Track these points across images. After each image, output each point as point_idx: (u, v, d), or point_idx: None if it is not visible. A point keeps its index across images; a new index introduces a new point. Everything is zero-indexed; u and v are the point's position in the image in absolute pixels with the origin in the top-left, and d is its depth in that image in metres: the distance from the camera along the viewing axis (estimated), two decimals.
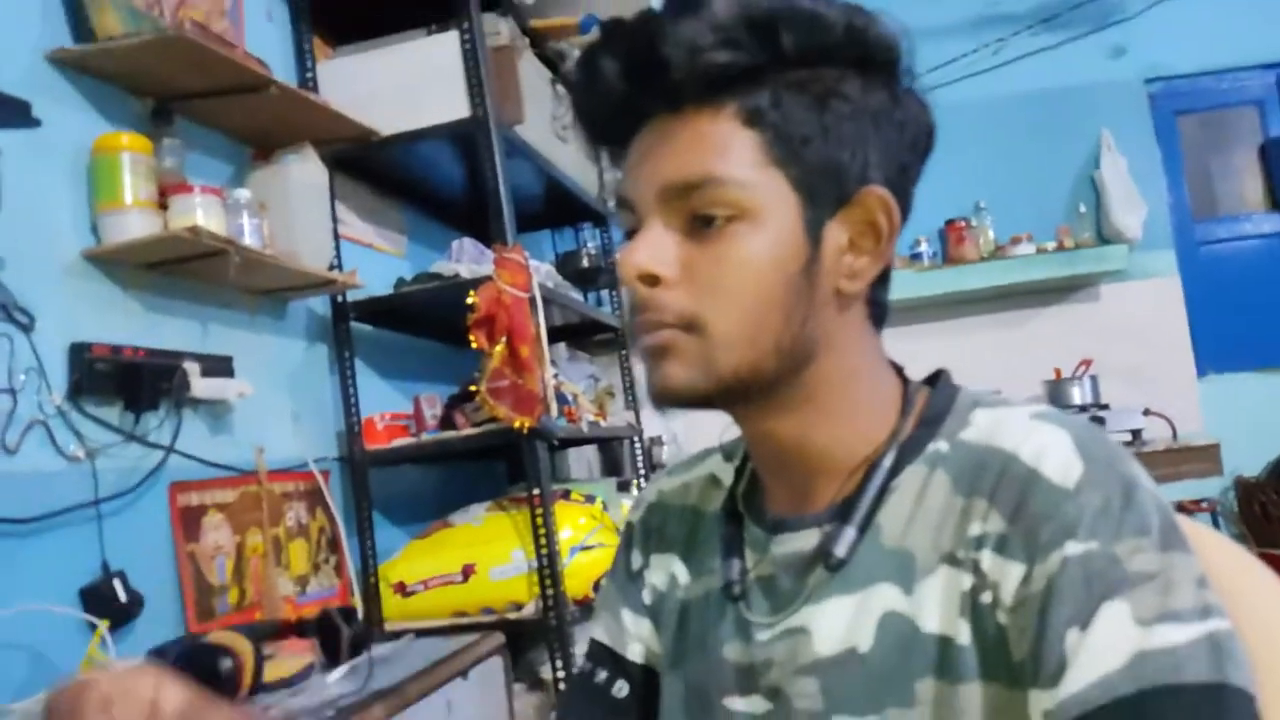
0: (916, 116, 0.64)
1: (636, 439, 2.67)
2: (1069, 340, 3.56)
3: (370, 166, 2.18)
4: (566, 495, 2.05)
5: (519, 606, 1.94)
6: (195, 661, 1.01)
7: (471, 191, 2.46)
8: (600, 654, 0.79)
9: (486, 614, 1.97)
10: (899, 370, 0.69)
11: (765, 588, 0.67)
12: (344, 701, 0.99)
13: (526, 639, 2.05)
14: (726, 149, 0.60)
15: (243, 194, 1.62)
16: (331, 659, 1.16)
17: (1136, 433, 3.32)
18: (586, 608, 2.00)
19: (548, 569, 1.87)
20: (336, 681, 1.11)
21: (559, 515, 1.96)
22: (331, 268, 1.90)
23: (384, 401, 2.19)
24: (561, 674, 1.86)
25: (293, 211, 1.77)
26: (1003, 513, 0.56)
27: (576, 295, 2.56)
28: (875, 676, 0.59)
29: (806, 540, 0.65)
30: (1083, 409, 3.39)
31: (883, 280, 0.65)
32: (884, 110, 0.61)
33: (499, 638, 1.51)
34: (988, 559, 0.56)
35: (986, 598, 0.55)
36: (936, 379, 0.68)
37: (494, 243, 1.96)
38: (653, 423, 2.77)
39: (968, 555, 0.57)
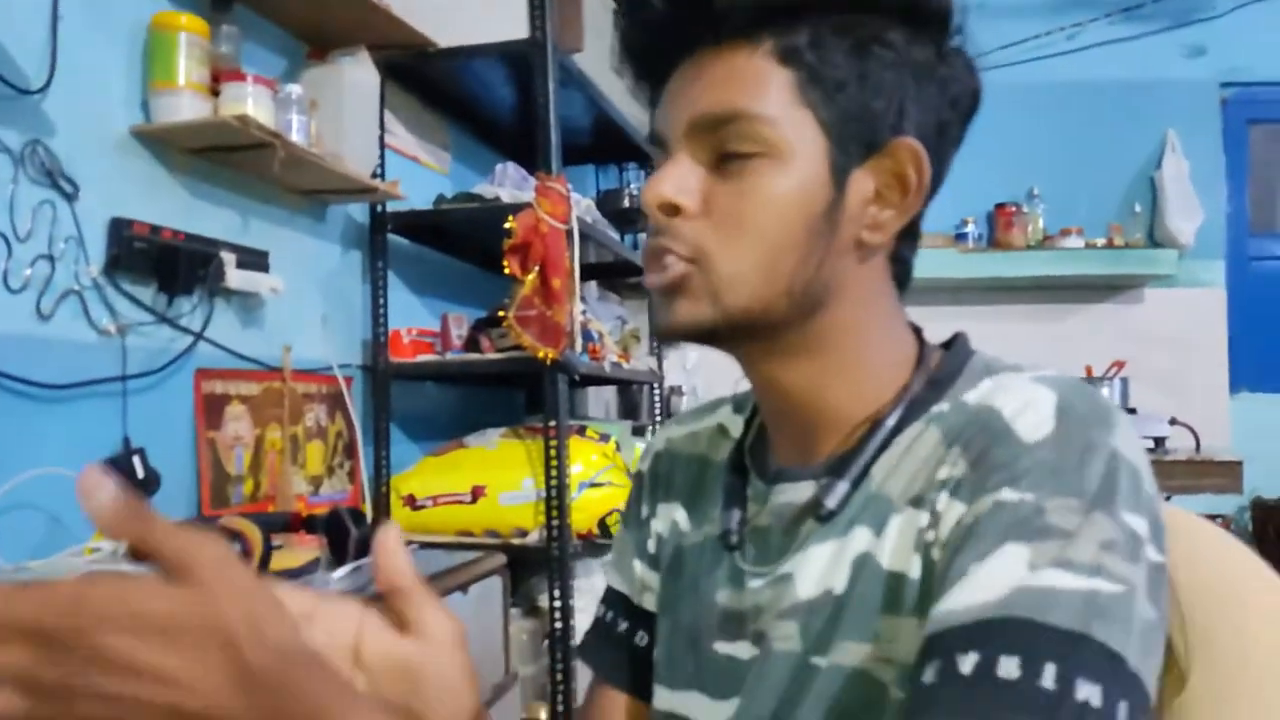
0: (961, 76, 0.62)
1: (656, 385, 2.67)
2: (1105, 340, 3.51)
3: (422, 78, 2.15)
4: (582, 431, 2.05)
5: (524, 533, 1.96)
6: None
7: (520, 116, 2.44)
8: (619, 603, 0.80)
9: (491, 536, 1.99)
10: (917, 332, 0.67)
11: (759, 538, 0.67)
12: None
13: (527, 566, 2.08)
14: (759, 85, 0.59)
15: (294, 89, 1.61)
16: (338, 557, 1.18)
17: (1160, 440, 3.28)
18: (589, 542, 2.02)
19: (555, 500, 1.89)
20: (339, 579, 1.12)
21: (573, 450, 1.97)
22: (375, 175, 1.89)
23: (412, 316, 2.19)
24: (559, 603, 1.89)
25: (342, 113, 1.75)
26: (968, 459, 0.56)
27: (613, 234, 2.54)
28: (845, 615, 0.59)
29: (801, 492, 0.65)
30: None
31: (909, 237, 0.65)
32: (927, 64, 0.60)
33: (500, 559, 1.52)
34: (943, 500, 0.56)
35: (931, 535, 0.56)
36: (951, 340, 0.67)
37: (538, 170, 1.94)
38: (674, 372, 2.77)
39: (931, 495, 0.57)
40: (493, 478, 1.99)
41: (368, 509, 2.00)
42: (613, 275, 2.80)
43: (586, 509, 1.97)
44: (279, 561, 1.13)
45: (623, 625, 0.79)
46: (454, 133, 2.43)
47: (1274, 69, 3.62)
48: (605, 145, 2.71)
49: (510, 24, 1.96)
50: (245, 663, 0.34)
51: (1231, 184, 3.69)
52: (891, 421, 0.62)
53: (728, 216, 0.60)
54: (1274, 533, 3.29)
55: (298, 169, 1.63)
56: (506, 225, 1.86)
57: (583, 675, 1.87)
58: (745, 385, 0.74)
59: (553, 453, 1.89)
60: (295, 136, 1.59)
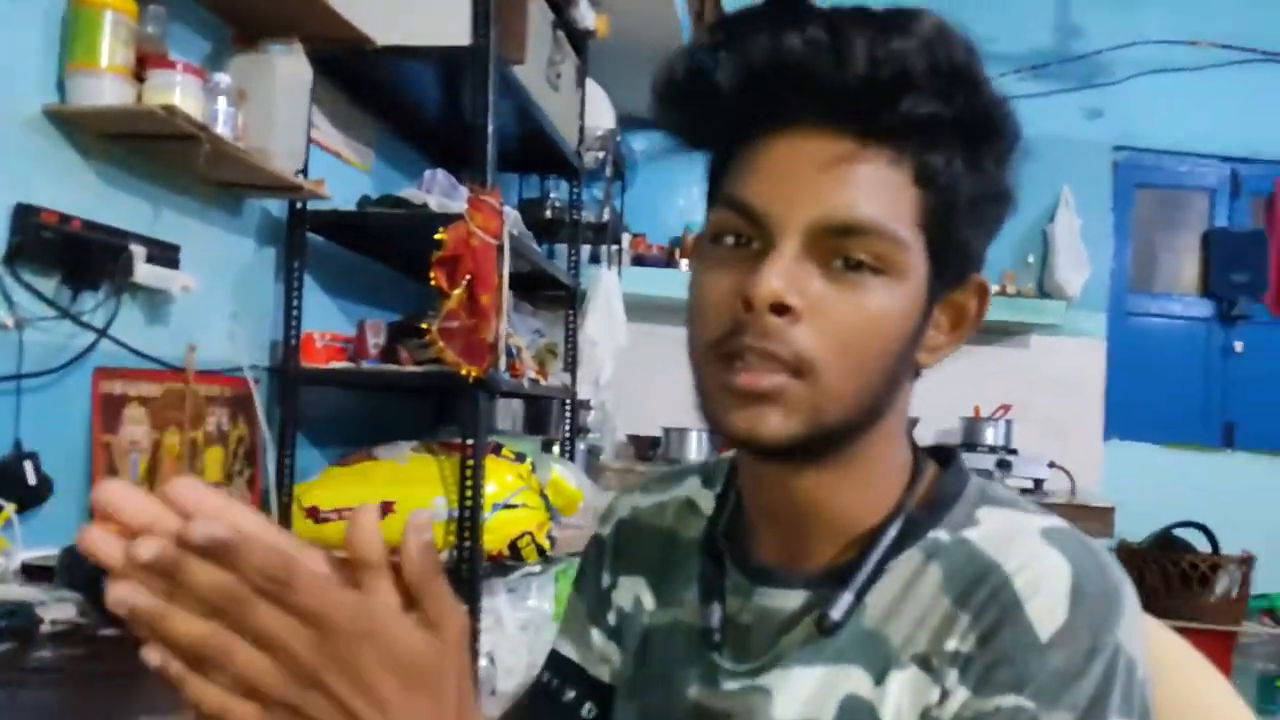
0: (1012, 198, 0.61)
1: (569, 401, 2.64)
2: (993, 382, 3.66)
3: (352, 74, 2.07)
4: (497, 450, 2.01)
5: None
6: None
7: (450, 121, 2.38)
8: (568, 670, 0.77)
9: (397, 555, 1.92)
10: (911, 438, 0.67)
11: (739, 637, 0.65)
12: None
13: None
14: (899, 203, 0.56)
15: (223, 79, 1.52)
16: None
17: (1039, 482, 3.45)
18: (498, 564, 1.98)
19: (469, 521, 1.84)
20: None
21: (487, 469, 1.93)
22: (299, 172, 1.81)
23: (326, 319, 2.11)
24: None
25: (272, 107, 1.67)
26: (976, 635, 0.56)
27: (535, 246, 2.50)
28: None
29: (791, 599, 0.63)
30: (992, 449, 3.51)
31: None
32: (1007, 195, 0.59)
33: None
34: (952, 678, 0.56)
35: (937, 713, 0.56)
36: (944, 455, 0.67)
37: (472, 182, 1.89)
38: (584, 386, 2.75)
39: (942, 667, 0.56)
40: (403, 494, 1.92)
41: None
42: (530, 287, 2.76)
43: (498, 530, 1.93)
44: None
45: (570, 693, 0.75)
46: (379, 131, 2.35)
47: (1163, 137, 3.86)
48: (529, 155, 2.66)
49: (452, 28, 1.90)
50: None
51: (1117, 242, 3.91)
52: (891, 534, 0.61)
53: (841, 329, 0.56)
54: (1138, 576, 3.49)
55: (221, 163, 1.54)
56: (437, 236, 1.80)
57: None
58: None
59: (469, 472, 1.85)
60: (222, 129, 1.50)
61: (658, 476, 0.80)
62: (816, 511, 0.62)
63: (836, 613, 0.60)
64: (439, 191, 2.04)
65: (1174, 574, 3.33)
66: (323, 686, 0.38)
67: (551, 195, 3.03)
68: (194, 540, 0.36)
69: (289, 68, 1.70)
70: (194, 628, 0.37)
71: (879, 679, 0.58)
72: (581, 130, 2.66)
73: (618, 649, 0.74)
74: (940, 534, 0.60)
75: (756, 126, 0.58)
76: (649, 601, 0.73)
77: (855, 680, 0.59)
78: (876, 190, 0.55)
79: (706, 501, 0.74)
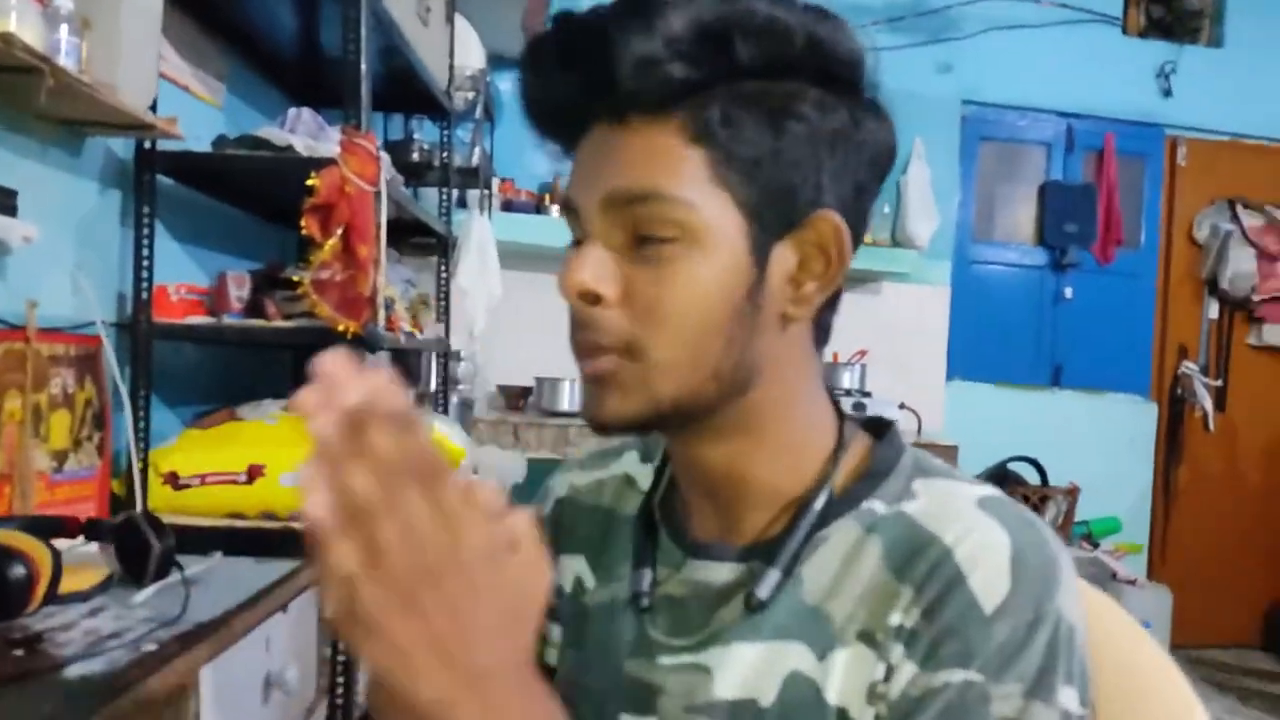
0: (876, 135, 0.61)
1: (443, 354, 2.56)
2: (849, 328, 3.74)
3: (204, 1, 1.89)
4: None
5: None
6: None
7: (309, 54, 2.23)
8: None
9: (267, 519, 1.82)
10: (835, 402, 0.67)
11: (673, 609, 0.65)
12: (163, 632, 0.87)
13: (303, 549, 1.93)
14: (672, 165, 0.57)
15: (65, 4, 1.35)
16: (135, 575, 1.02)
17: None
18: None
19: None
20: (145, 603, 0.97)
21: None
22: (149, 109, 1.64)
23: (179, 270, 1.94)
24: None
25: (119, 36, 1.49)
26: (920, 609, 0.57)
27: (406, 191, 2.39)
28: None
29: (723, 573, 0.64)
30: (848, 393, 3.66)
31: (830, 303, 0.63)
32: (842, 130, 0.59)
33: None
34: (897, 653, 0.57)
35: (883, 689, 0.57)
36: (879, 426, 0.67)
37: (345, 124, 1.77)
38: (457, 337, 2.67)
39: (885, 642, 0.57)
40: (273, 456, 1.81)
41: (120, 487, 1.77)
42: (398, 234, 2.63)
43: None
44: (66, 581, 0.96)
45: None
46: (231, 64, 2.16)
47: (1006, 92, 4.05)
48: (396, 93, 2.52)
49: None
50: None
51: (963, 193, 4.11)
52: (817, 506, 0.62)
53: (648, 305, 0.57)
54: None
55: (63, 99, 1.37)
56: (308, 182, 1.68)
57: None
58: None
59: None
60: (65, 60, 1.33)
61: (596, 452, 0.79)
62: (738, 482, 0.63)
63: (763, 591, 0.60)
64: (304, 132, 1.91)
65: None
66: (435, 590, 0.41)
67: (415, 136, 2.90)
68: (389, 406, 0.40)
69: None
70: (366, 480, 0.39)
71: (822, 655, 0.59)
72: (451, 69, 2.53)
73: (558, 629, 0.74)
74: (876, 505, 0.61)
75: (577, 131, 0.61)
76: (589, 580, 0.72)
77: (797, 657, 0.59)
78: (649, 158, 0.57)
79: (644, 476, 0.74)
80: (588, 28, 0.57)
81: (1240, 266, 4.06)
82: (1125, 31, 3.77)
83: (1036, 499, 3.61)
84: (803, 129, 0.57)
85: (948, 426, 3.94)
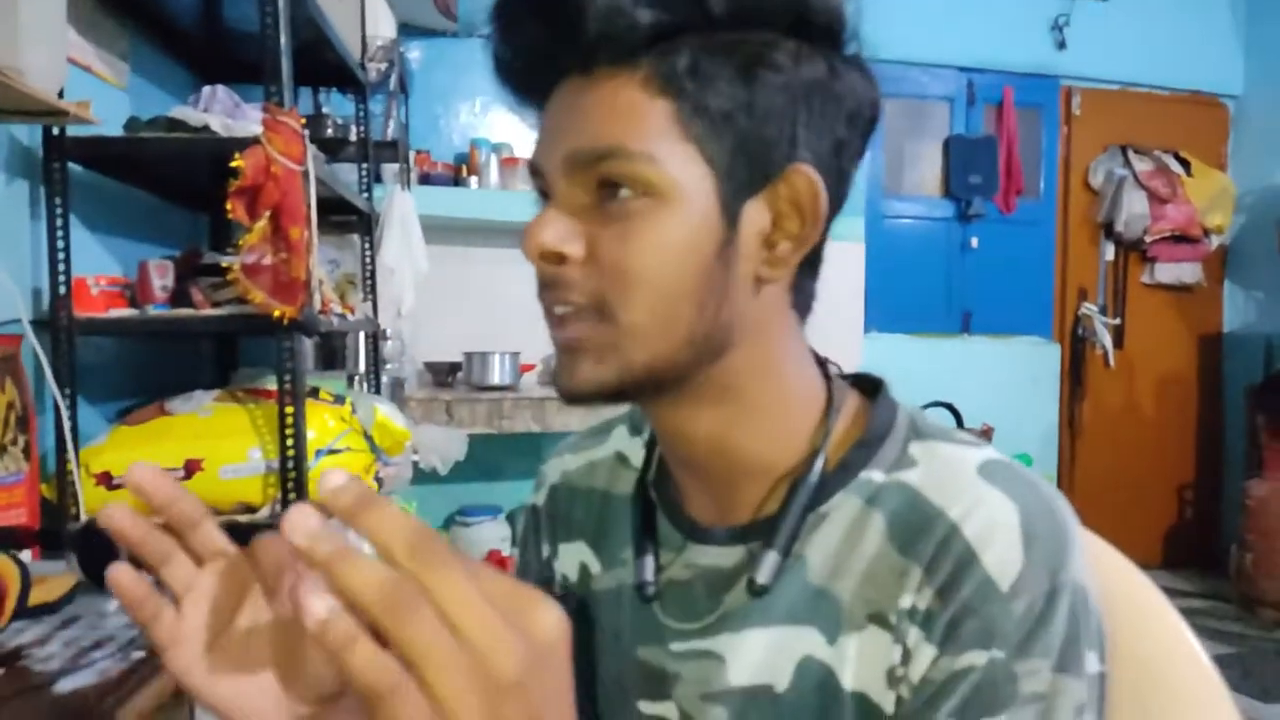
0: (856, 88, 0.59)
1: (379, 335, 2.51)
2: None
3: None
4: (315, 394, 1.88)
5: (250, 508, 1.77)
6: None
7: (215, 28, 2.14)
8: None
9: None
10: (821, 363, 0.66)
11: (680, 593, 0.64)
12: (144, 640, 0.85)
13: (248, 540, 1.88)
14: (636, 118, 0.54)
15: None
16: (99, 582, 0.98)
17: None
18: (324, 513, 1.87)
19: (293, 471, 1.72)
20: (118, 611, 0.94)
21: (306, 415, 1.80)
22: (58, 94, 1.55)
23: (93, 261, 1.86)
24: None
25: (18, 16, 1.41)
26: (934, 587, 0.55)
27: (325, 167, 2.32)
28: (786, 717, 0.58)
29: (726, 556, 0.63)
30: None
31: (810, 265, 0.61)
32: (819, 82, 0.56)
33: None
34: (913, 635, 0.55)
35: (902, 672, 0.55)
36: (870, 384, 0.66)
37: (267, 101, 1.71)
38: (384, 316, 2.62)
39: (900, 625, 0.56)
40: (210, 449, 1.76)
41: (50, 491, 1.70)
42: (319, 212, 2.56)
43: None
44: (31, 595, 0.92)
45: None
46: (133, 41, 2.05)
47: (909, 50, 4.13)
48: (306, 66, 2.43)
49: None
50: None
51: (873, 150, 4.18)
52: (813, 479, 0.60)
53: (616, 264, 0.55)
54: None
55: None
56: (233, 164, 1.62)
57: None
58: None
59: (289, 421, 1.72)
60: None
61: (586, 432, 0.78)
62: (726, 455, 0.61)
63: (764, 575, 0.59)
64: (220, 110, 1.83)
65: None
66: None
67: (325, 110, 2.81)
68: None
69: None
70: (379, 572, 0.33)
71: (832, 639, 0.57)
72: (364, 41, 2.46)
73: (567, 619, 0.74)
74: (874, 474, 0.59)
75: (540, 92, 0.59)
76: (594, 565, 0.71)
77: (809, 641, 0.58)
78: (612, 113, 0.55)
79: (636, 452, 0.73)
80: None
81: (1133, 209, 4.26)
82: None
83: None
84: (777, 80, 0.54)
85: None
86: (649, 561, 0.65)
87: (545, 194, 0.59)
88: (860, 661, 0.56)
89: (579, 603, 0.71)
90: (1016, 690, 0.53)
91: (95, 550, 1.00)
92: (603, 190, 0.55)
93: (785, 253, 0.58)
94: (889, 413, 0.63)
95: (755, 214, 0.56)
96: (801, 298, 0.62)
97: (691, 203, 0.55)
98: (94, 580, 1.00)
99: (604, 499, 0.72)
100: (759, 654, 0.59)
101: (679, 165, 0.54)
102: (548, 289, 0.57)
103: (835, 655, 0.57)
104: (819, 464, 0.59)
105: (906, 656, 0.55)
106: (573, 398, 0.58)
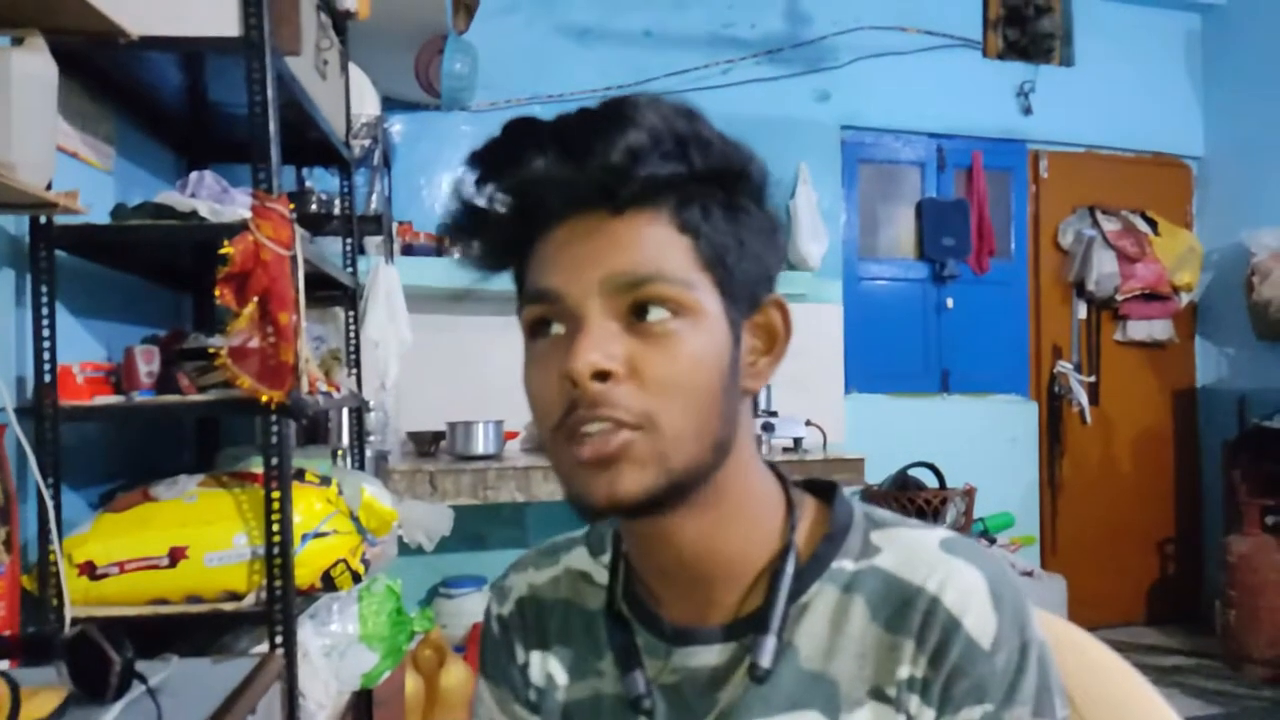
0: (781, 240, 0.70)
1: (363, 408, 2.50)
2: None
3: (93, 65, 1.81)
4: (300, 476, 1.87)
5: (235, 595, 1.74)
6: None
7: (201, 113, 2.16)
8: None
9: (193, 602, 1.74)
10: (772, 467, 0.72)
11: (671, 698, 0.67)
12: None
13: (232, 629, 1.85)
14: (668, 250, 0.62)
15: None
16: (94, 695, 0.96)
17: (799, 440, 3.72)
18: (309, 597, 1.85)
19: (279, 557, 1.70)
20: None
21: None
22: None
23: (79, 346, 1.85)
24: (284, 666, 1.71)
25: (10, 113, 1.42)
26: (926, 656, 0.61)
27: (310, 245, 2.33)
28: None
29: (712, 655, 0.66)
30: (756, 414, 3.74)
31: None
32: (772, 229, 0.67)
33: (279, 660, 1.34)
34: (914, 703, 0.61)
35: None
36: (820, 488, 0.72)
37: (255, 187, 1.72)
38: (369, 389, 2.61)
39: (900, 696, 0.62)
40: (195, 536, 1.74)
41: (31, 582, 1.66)
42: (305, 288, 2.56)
43: (310, 563, 1.80)
44: (23, 711, 0.90)
45: None
46: (119, 125, 2.07)
47: (881, 117, 4.23)
48: (291, 144, 2.45)
49: (217, 17, 1.70)
50: None
51: (847, 213, 4.26)
52: (790, 570, 0.65)
53: (659, 379, 0.60)
54: None
55: None
56: (222, 251, 1.62)
57: None
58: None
59: (275, 505, 1.70)
60: None
61: (544, 549, 0.81)
62: (709, 558, 0.66)
63: (765, 659, 0.63)
64: (207, 195, 1.84)
65: (911, 510, 3.74)
66: None
67: (308, 184, 2.83)
68: None
69: (28, 65, 1.45)
70: None
71: (834, 718, 0.62)
72: (348, 118, 2.49)
73: None
74: (845, 564, 0.66)
75: (533, 233, 0.65)
76: (561, 677, 0.73)
77: None
78: (648, 244, 0.62)
79: (599, 571, 0.75)
80: (577, 127, 0.62)
81: (1103, 269, 4.35)
82: (985, 54, 3.99)
83: (938, 502, 3.77)
84: (753, 225, 0.64)
85: (850, 439, 4.08)
86: (639, 676, 0.68)
87: (557, 317, 0.63)
88: None
89: (555, 713, 0.72)
90: None
91: (87, 660, 0.98)
92: (635, 312, 0.61)
93: (764, 367, 0.67)
94: (846, 509, 0.69)
95: (747, 335, 0.66)
96: (754, 407, 0.70)
97: (713, 323, 0.62)
98: (86, 691, 0.98)
99: (568, 609, 0.75)
100: None
101: (703, 291, 0.62)
102: (582, 408, 0.60)
103: None
104: (792, 556, 0.65)
105: None
106: (614, 507, 0.61)
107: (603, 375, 0.60)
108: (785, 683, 0.63)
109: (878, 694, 0.62)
